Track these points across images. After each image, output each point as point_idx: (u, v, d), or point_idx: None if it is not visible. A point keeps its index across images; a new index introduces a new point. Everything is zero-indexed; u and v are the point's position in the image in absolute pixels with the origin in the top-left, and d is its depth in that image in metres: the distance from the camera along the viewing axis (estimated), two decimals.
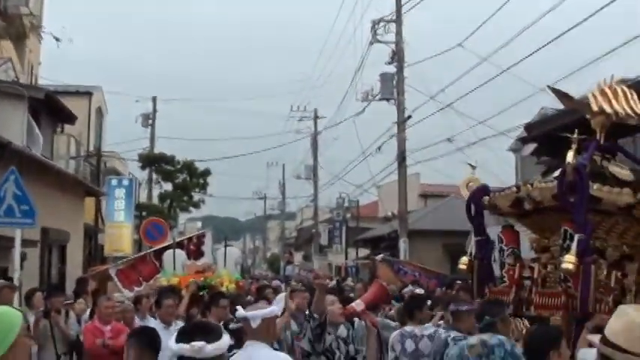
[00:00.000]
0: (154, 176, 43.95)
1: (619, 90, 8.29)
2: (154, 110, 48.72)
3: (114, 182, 31.03)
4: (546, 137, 17.78)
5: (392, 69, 31.06)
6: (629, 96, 8.28)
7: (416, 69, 32.44)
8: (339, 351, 7.55)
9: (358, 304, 10.04)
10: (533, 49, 21.43)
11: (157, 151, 45.23)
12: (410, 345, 8.79)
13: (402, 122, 30.22)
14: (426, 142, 35.58)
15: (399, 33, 30.82)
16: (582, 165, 7.53)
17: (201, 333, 4.62)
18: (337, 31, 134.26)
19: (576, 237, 7.24)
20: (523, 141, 24.44)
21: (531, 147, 23.31)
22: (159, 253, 15.12)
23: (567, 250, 7.30)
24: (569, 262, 7.09)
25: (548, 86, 9.22)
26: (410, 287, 15.65)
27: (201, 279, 13.15)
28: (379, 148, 33.66)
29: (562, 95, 8.76)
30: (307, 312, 7.81)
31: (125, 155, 42.38)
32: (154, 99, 49.12)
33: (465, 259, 9.58)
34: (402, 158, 30.25)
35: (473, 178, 9.69)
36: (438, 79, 29.85)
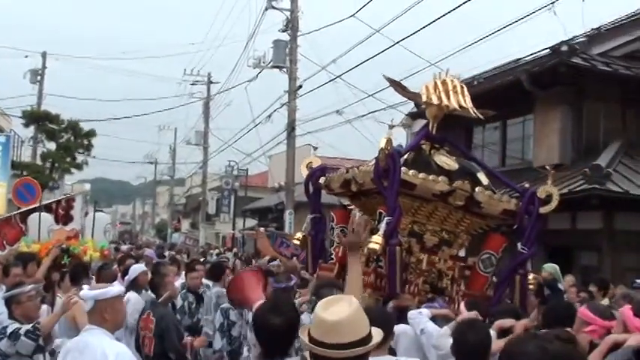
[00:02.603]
0: (38, 135, 42.43)
1: (450, 84, 8.52)
2: (44, 66, 47.98)
3: None
4: None
5: (286, 37, 30.80)
6: (459, 90, 8.55)
7: (309, 38, 32.13)
8: None
9: None
10: (424, 23, 21.11)
11: (46, 110, 43.58)
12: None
13: (293, 91, 29.87)
14: (318, 113, 35.32)
15: (294, 0, 30.36)
16: (396, 151, 7.79)
17: None
18: None
19: (385, 219, 7.55)
20: (412, 116, 24.32)
21: (422, 122, 23.17)
22: (25, 216, 14.39)
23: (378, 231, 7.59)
24: (375, 242, 7.36)
25: (384, 75, 9.38)
26: (276, 261, 15.42)
27: (64, 245, 12.45)
28: (269, 116, 33.38)
29: (396, 85, 9.09)
30: None
31: (10, 112, 40.98)
32: (44, 54, 48.21)
33: (298, 235, 10.06)
34: (291, 128, 29.91)
35: (313, 159, 9.95)
36: (331, 50, 29.43)
